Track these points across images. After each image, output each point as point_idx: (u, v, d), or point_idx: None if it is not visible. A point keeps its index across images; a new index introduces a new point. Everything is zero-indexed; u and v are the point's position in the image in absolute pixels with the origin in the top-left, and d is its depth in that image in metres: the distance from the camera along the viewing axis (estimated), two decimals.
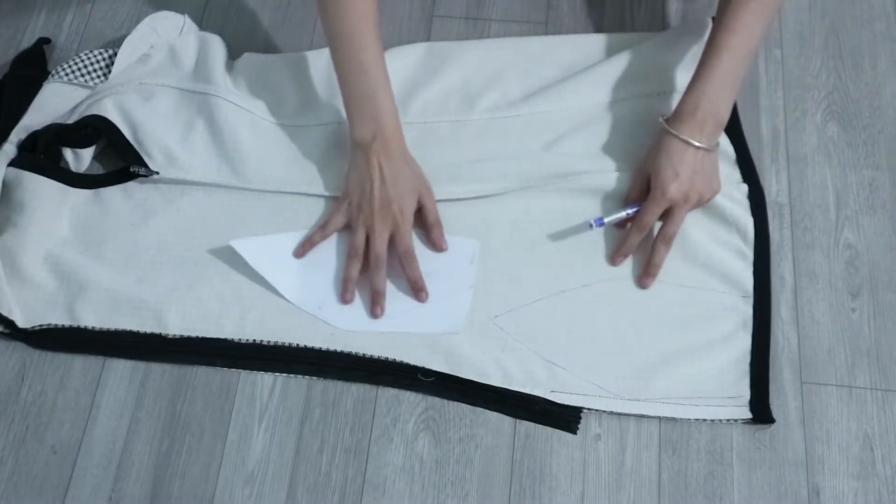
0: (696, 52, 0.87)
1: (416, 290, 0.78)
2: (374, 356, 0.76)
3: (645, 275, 0.77)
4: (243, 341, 0.78)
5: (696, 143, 0.73)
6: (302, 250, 0.80)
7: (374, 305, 0.77)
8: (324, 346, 0.77)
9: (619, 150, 0.82)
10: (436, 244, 0.79)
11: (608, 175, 0.80)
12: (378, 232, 0.76)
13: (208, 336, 0.78)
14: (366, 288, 0.78)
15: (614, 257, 0.78)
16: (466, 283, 0.79)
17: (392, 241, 0.77)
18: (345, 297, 0.78)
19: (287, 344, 0.77)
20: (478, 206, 0.82)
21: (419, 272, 0.77)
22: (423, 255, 0.79)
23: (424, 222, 0.80)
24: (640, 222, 0.75)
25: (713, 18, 0.88)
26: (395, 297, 0.78)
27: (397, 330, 0.77)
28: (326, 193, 0.83)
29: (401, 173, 0.77)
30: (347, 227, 0.80)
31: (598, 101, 0.85)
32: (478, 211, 0.82)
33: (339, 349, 0.77)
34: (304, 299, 0.79)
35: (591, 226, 0.76)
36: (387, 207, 0.76)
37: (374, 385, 0.76)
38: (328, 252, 0.81)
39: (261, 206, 0.83)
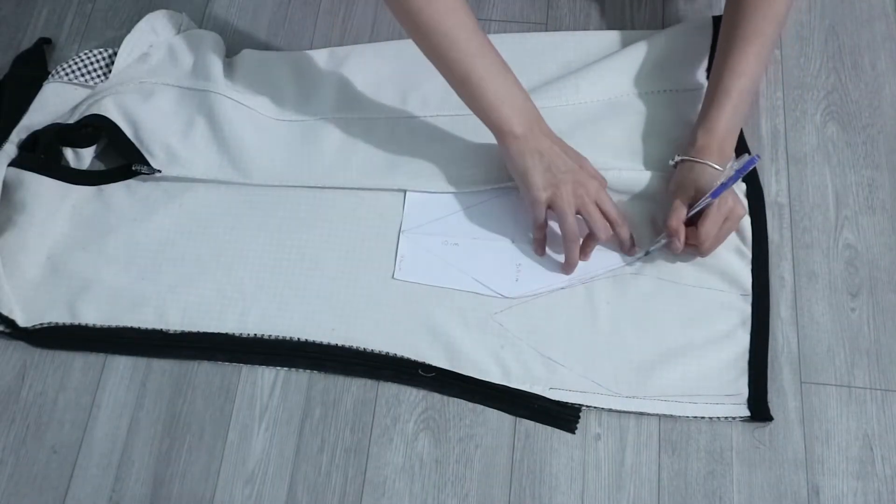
0: (697, 49, 0.87)
1: (627, 249, 0.78)
2: (375, 351, 0.77)
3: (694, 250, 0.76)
4: (245, 336, 0.78)
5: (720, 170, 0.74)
6: (542, 251, 0.79)
7: (568, 268, 0.78)
8: (325, 341, 0.77)
9: (619, 148, 0.82)
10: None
11: (607, 172, 0.80)
12: (589, 201, 0.75)
13: (210, 331, 0.78)
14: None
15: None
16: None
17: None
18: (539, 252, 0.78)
19: (288, 338, 0.78)
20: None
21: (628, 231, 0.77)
22: None
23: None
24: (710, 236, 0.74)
25: (715, 17, 0.88)
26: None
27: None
28: (326, 185, 0.84)
29: (563, 147, 0.77)
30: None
31: (598, 98, 0.86)
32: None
33: (340, 343, 0.77)
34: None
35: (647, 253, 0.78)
36: (579, 178, 0.75)
37: (374, 380, 0.76)
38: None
39: (262, 201, 0.84)
